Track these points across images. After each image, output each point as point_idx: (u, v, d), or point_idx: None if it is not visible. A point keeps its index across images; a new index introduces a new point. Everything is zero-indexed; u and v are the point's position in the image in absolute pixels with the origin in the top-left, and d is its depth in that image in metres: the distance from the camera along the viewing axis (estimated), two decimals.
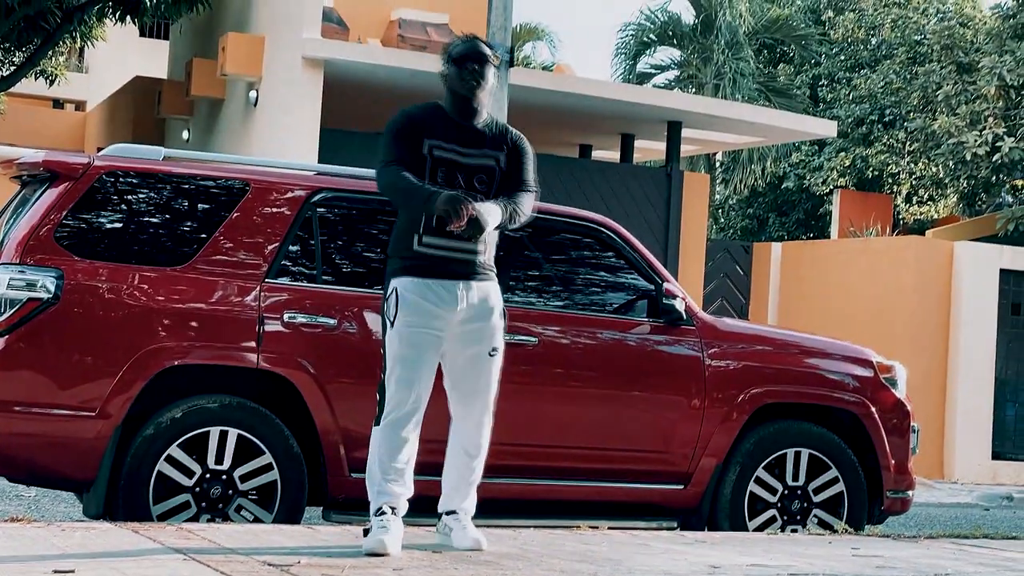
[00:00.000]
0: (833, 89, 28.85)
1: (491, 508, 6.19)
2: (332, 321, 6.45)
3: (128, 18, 16.89)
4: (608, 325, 7.01)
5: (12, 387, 6.02)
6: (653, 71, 30.61)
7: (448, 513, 5.63)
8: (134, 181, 6.41)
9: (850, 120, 27.20)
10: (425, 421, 5.45)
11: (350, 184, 6.76)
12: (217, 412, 6.21)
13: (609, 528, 6.64)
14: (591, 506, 6.96)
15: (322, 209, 6.63)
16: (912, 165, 26.79)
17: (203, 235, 6.40)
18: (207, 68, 17.16)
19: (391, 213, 6.29)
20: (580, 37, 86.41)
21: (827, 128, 19.82)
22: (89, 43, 20.07)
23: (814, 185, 27.99)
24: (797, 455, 7.27)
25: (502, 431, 5.83)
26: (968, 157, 22.24)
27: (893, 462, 7.45)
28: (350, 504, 6.39)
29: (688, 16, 29.69)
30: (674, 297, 7.05)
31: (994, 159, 22.01)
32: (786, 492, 7.28)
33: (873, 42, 28.91)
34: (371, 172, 6.28)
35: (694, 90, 28.42)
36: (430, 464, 5.65)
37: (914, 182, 27.51)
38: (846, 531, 7.13)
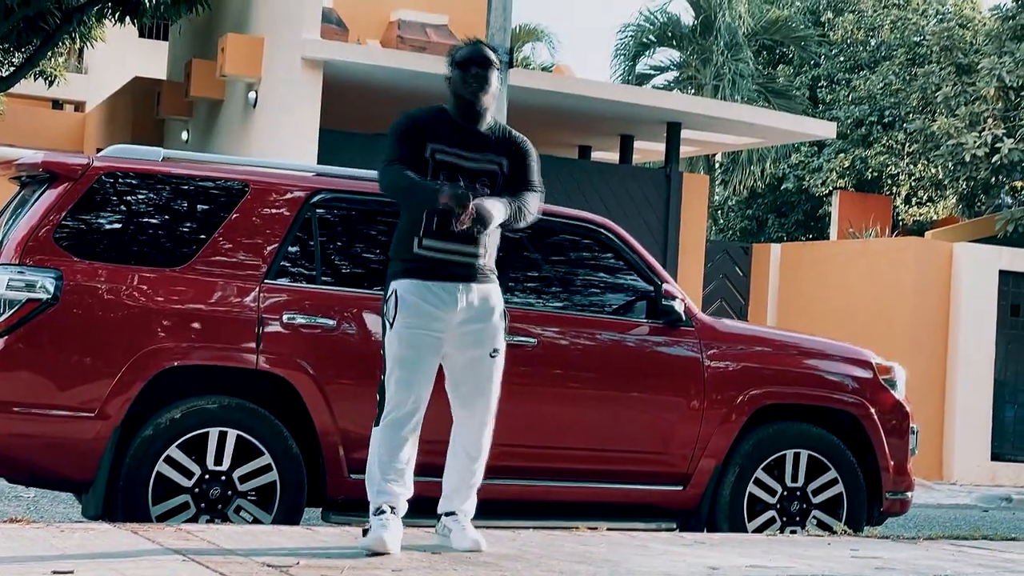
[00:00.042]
0: (832, 90, 28.84)
1: (490, 509, 6.17)
2: (331, 322, 6.44)
3: (127, 19, 16.89)
4: (607, 326, 7.01)
5: (11, 388, 6.02)
6: (652, 72, 30.60)
7: (448, 514, 5.62)
8: (133, 182, 6.41)
9: (849, 121, 27.20)
10: (425, 422, 5.45)
11: (349, 185, 6.75)
12: (216, 413, 6.21)
13: (608, 529, 6.63)
14: (590, 507, 6.95)
15: (321, 210, 6.63)
16: (911, 166, 26.81)
17: (202, 236, 6.40)
18: (206, 69, 17.16)
19: (391, 214, 6.30)
20: (579, 38, 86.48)
21: (826, 129, 19.84)
22: (88, 44, 20.06)
23: (813, 186, 27.99)
24: (796, 456, 7.26)
25: (501, 432, 5.81)
26: (967, 158, 22.23)
27: (892, 463, 7.45)
28: (349, 505, 6.38)
29: (687, 17, 29.71)
30: (673, 298, 7.04)
31: (993, 160, 21.99)
32: (785, 493, 7.27)
33: (872, 43, 28.92)
34: (370, 173, 6.28)
35: (693, 91, 28.40)
36: (430, 465, 5.65)
37: (913, 183, 27.52)
38: (845, 532, 7.12)
